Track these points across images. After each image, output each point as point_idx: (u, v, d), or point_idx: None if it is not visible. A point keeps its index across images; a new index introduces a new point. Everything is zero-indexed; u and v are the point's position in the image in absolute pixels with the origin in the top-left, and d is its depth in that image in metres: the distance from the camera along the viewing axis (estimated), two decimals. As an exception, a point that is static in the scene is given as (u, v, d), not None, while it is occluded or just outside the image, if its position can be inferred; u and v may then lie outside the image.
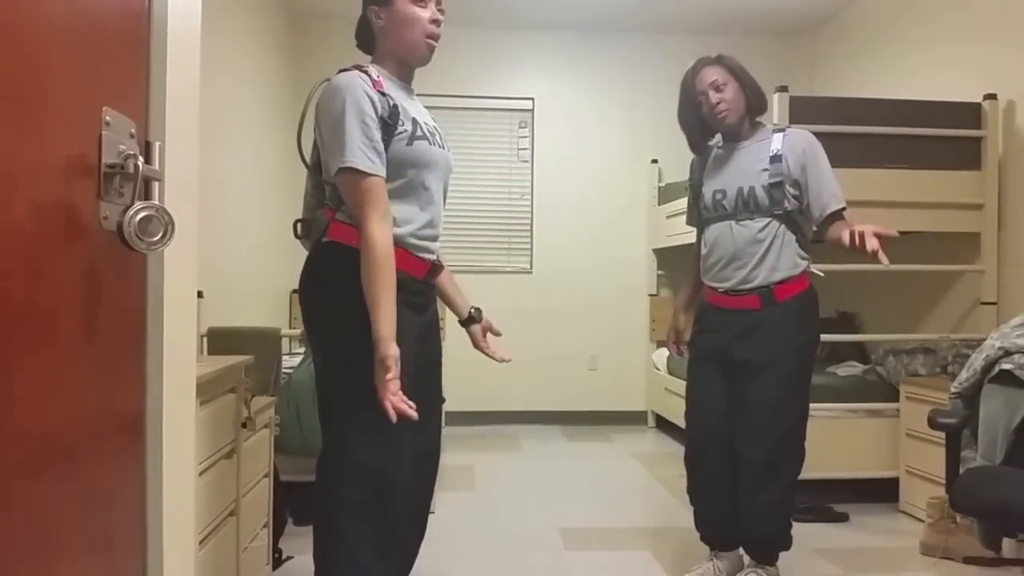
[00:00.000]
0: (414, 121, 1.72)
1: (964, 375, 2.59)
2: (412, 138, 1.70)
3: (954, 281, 3.74)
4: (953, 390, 2.62)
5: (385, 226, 1.61)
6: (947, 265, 3.63)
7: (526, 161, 5.43)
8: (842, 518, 3.21)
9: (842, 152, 3.43)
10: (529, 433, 5.06)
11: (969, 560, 2.68)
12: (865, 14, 4.67)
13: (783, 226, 2.28)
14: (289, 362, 3.29)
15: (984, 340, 2.61)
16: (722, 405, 2.37)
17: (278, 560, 2.61)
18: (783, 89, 3.35)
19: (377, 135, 1.64)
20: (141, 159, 0.92)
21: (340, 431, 1.67)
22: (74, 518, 0.86)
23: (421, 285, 1.76)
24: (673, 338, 2.71)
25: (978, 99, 3.49)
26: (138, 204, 0.89)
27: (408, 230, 1.70)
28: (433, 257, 1.79)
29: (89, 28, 0.88)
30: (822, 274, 2.45)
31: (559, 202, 5.41)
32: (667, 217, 4.99)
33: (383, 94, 1.68)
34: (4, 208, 0.72)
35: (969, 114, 3.49)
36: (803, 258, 2.32)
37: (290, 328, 4.70)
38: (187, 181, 1.15)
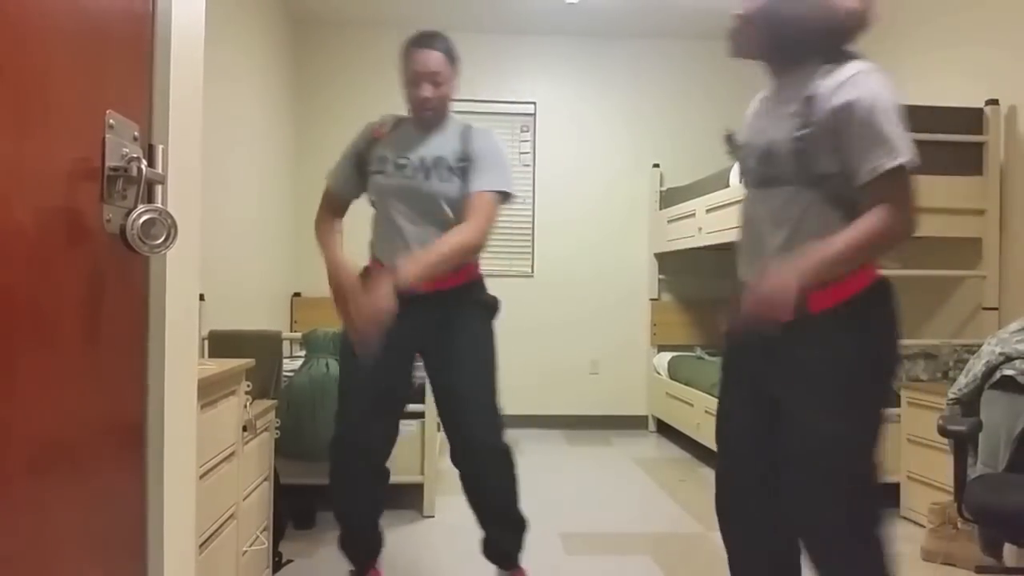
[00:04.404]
0: (381, 159, 2.22)
1: (963, 381, 2.59)
2: (373, 173, 2.23)
3: (955, 286, 3.74)
4: (951, 396, 2.61)
5: (322, 210, 2.31)
6: (948, 270, 3.63)
7: (527, 165, 5.44)
8: (843, 523, 3.20)
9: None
10: (530, 437, 5.05)
11: (981, 569, 2.66)
12: (867, 19, 4.67)
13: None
14: (290, 365, 3.30)
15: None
16: None
17: (278, 564, 2.61)
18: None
19: (349, 164, 2.30)
20: (144, 162, 0.92)
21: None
22: (74, 521, 0.86)
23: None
24: None
25: (980, 104, 3.49)
26: (141, 207, 0.89)
27: (378, 252, 2.26)
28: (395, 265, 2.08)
29: (93, 32, 0.88)
30: None
31: (560, 206, 5.41)
32: (668, 221, 4.99)
33: (374, 139, 2.27)
34: (7, 211, 0.72)
35: (971, 119, 3.49)
36: None
37: (291, 331, 4.71)
38: (190, 184, 1.15)
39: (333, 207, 2.32)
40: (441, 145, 2.22)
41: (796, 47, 1.61)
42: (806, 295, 1.49)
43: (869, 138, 1.47)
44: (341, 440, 2.25)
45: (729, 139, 1.82)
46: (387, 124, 2.29)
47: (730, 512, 1.76)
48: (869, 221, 1.47)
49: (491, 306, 2.31)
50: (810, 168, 1.54)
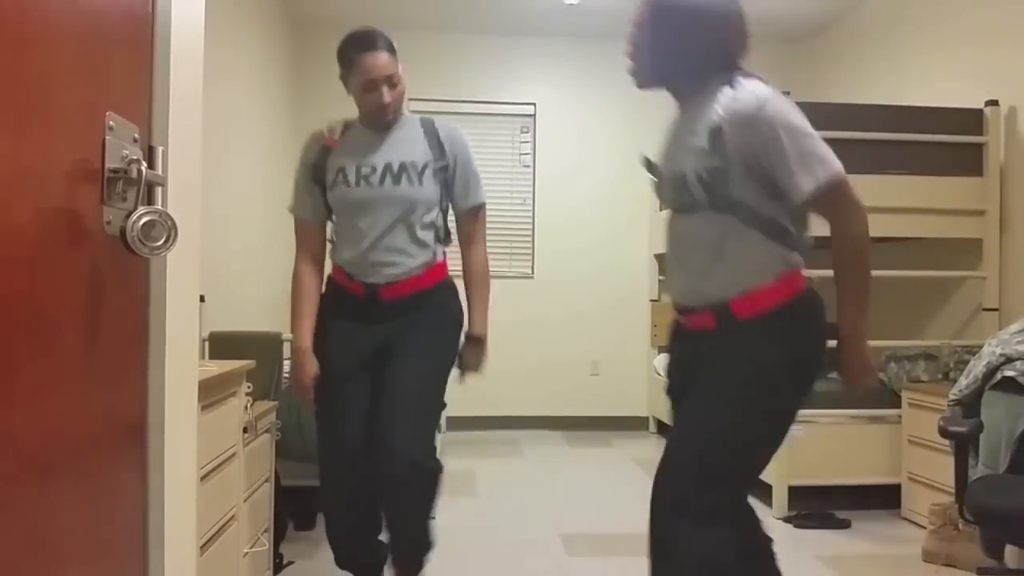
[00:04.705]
0: (339, 170, 2.06)
1: (964, 382, 2.58)
2: (333, 185, 2.06)
3: (956, 287, 3.73)
4: (952, 397, 2.61)
5: (301, 261, 2.13)
6: (949, 271, 3.63)
7: (528, 166, 5.44)
8: (844, 525, 3.20)
9: (843, 158, 3.44)
10: (530, 438, 5.05)
11: (982, 571, 2.66)
12: (867, 20, 4.67)
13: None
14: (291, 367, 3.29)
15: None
16: None
17: (279, 565, 2.61)
18: (785, 95, 3.35)
19: (307, 181, 2.11)
20: (144, 164, 0.92)
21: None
22: (76, 523, 0.86)
23: (363, 301, 2.07)
24: None
25: (980, 105, 3.49)
26: (141, 209, 0.89)
27: (340, 260, 2.10)
28: (373, 280, 2.05)
29: (93, 33, 0.88)
30: None
31: (561, 207, 5.42)
32: (669, 222, 4.99)
33: (326, 148, 2.10)
34: (8, 212, 0.72)
35: (971, 120, 3.49)
36: None
37: (291, 332, 4.70)
38: (190, 186, 1.15)
39: (310, 243, 2.14)
40: (408, 148, 2.09)
41: (686, 71, 1.67)
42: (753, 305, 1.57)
43: (799, 160, 1.53)
44: (329, 487, 2.12)
45: (648, 163, 1.82)
46: (336, 131, 2.14)
47: None
48: (842, 241, 1.57)
49: (456, 316, 2.15)
50: (723, 197, 1.58)
